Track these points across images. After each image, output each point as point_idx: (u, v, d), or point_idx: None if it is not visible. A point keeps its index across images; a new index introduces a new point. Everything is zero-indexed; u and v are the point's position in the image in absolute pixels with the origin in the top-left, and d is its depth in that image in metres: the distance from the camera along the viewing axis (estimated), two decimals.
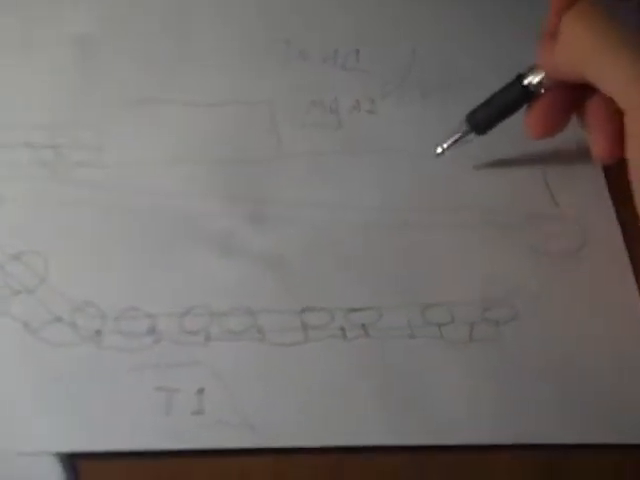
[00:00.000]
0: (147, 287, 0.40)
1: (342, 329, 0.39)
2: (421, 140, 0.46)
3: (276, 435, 0.36)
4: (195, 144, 0.45)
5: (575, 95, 0.40)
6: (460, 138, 0.43)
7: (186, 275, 0.40)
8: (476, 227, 0.43)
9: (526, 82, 0.41)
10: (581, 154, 0.43)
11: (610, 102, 0.35)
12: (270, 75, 0.48)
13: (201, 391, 0.37)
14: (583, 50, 0.36)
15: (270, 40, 0.50)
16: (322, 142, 0.46)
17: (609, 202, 0.44)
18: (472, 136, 0.43)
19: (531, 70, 0.41)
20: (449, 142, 0.44)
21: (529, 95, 0.41)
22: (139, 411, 0.36)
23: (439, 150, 0.44)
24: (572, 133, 0.42)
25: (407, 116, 0.47)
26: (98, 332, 0.38)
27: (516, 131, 0.42)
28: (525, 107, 0.42)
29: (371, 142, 0.46)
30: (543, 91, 0.41)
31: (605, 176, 0.45)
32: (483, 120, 0.43)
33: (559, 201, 0.44)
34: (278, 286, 0.40)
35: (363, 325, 0.39)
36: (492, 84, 0.43)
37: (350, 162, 0.45)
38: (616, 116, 0.36)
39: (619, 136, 0.36)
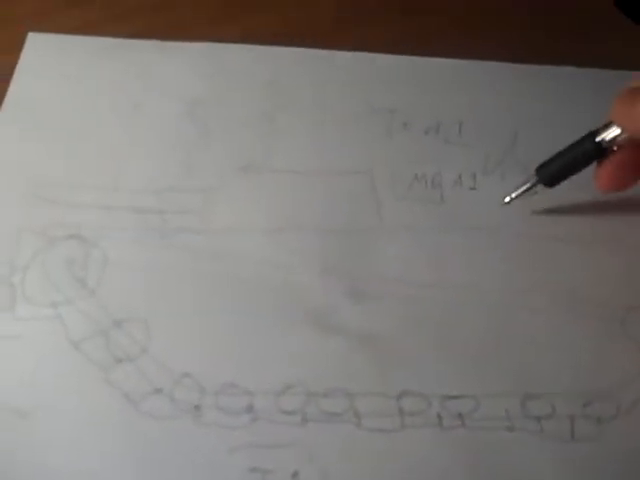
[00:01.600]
0: (245, 362, 0.40)
1: (439, 417, 0.38)
2: (523, 218, 0.45)
3: None
4: (297, 213, 0.46)
5: None
6: (528, 189, 0.44)
7: (284, 351, 0.40)
8: (581, 314, 0.41)
9: (599, 138, 0.41)
10: None
11: None
12: (373, 145, 0.48)
13: (296, 474, 0.37)
14: None
15: (374, 109, 0.50)
16: (424, 217, 0.45)
17: None
18: (540, 188, 0.44)
19: (605, 127, 0.41)
20: (517, 192, 0.45)
21: (601, 151, 0.41)
22: None
23: (507, 199, 0.45)
24: None
25: (509, 193, 0.46)
26: (197, 407, 0.38)
27: None
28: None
29: (473, 219, 0.45)
30: (616, 148, 0.41)
31: None
32: (552, 173, 0.43)
33: None
34: (376, 367, 0.40)
35: (460, 415, 0.38)
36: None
37: (452, 239, 0.44)
38: None
39: None
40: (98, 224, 0.45)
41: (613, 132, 0.41)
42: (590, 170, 0.43)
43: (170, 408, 0.39)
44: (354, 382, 0.40)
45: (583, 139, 0.42)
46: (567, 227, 0.46)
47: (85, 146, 0.47)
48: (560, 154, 0.43)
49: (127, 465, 0.37)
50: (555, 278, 0.44)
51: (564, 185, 0.44)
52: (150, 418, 0.39)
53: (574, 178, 0.44)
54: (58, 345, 0.41)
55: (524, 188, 0.44)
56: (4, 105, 0.48)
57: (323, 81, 0.52)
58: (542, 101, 0.51)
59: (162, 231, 0.45)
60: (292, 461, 0.38)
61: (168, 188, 0.46)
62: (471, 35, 0.55)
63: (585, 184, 0.44)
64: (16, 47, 0.51)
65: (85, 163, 0.47)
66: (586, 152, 0.42)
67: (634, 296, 0.43)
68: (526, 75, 0.52)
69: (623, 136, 0.41)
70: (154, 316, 0.42)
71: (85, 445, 0.38)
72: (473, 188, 0.47)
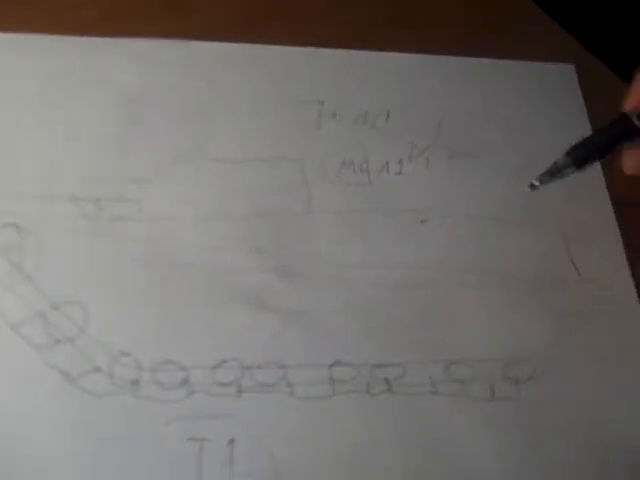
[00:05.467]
0: (181, 339, 0.41)
1: (367, 384, 0.40)
2: (448, 201, 0.48)
3: None
4: (229, 200, 0.48)
5: None
6: (559, 171, 0.43)
7: (219, 329, 0.42)
8: (500, 288, 0.44)
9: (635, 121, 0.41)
10: (599, 215, 0.46)
11: None
12: (303, 134, 0.50)
13: (232, 441, 0.38)
14: None
15: (304, 100, 0.52)
16: (352, 200, 0.47)
17: (625, 262, 0.46)
18: (571, 170, 0.43)
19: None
20: (546, 176, 0.43)
21: (632, 133, 0.42)
22: (171, 462, 0.38)
23: (536, 183, 0.44)
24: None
25: (433, 178, 0.48)
26: (135, 382, 0.40)
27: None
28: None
29: (399, 202, 0.47)
30: None
31: (622, 234, 0.47)
32: (585, 154, 0.43)
33: (578, 264, 0.45)
34: (308, 341, 0.42)
35: (387, 380, 0.41)
36: (517, 152, 0.47)
37: (379, 221, 0.46)
38: None
39: None
40: (35, 213, 0.45)
41: None
42: None
43: (109, 385, 0.40)
44: (287, 355, 0.42)
45: (616, 121, 0.42)
46: (494, 208, 0.48)
47: (21, 137, 0.48)
48: (592, 136, 0.43)
49: (69, 441, 0.39)
50: (481, 255, 0.46)
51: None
52: (90, 395, 0.40)
53: None
54: None
55: (554, 170, 0.43)
56: None
57: (254, 74, 0.53)
58: (466, 91, 0.53)
59: (98, 219, 0.46)
60: (228, 430, 0.39)
61: (104, 178, 0.48)
62: (397, 28, 0.57)
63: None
64: None
65: (20, 154, 0.48)
66: (617, 133, 0.42)
67: (551, 270, 0.46)
68: (451, 67, 0.55)
69: None
70: (92, 300, 0.43)
71: (26, 425, 0.39)
72: (399, 173, 0.49)
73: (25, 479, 0.38)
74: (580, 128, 0.51)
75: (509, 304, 0.44)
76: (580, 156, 0.42)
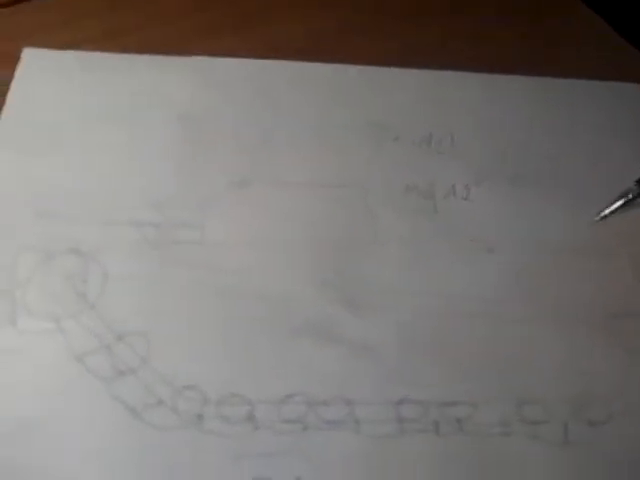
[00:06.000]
0: (246, 372, 0.41)
1: (436, 423, 0.39)
2: (515, 230, 0.47)
3: None
4: (292, 226, 0.47)
5: None
6: (628, 202, 0.42)
7: (284, 361, 0.41)
8: (569, 322, 0.43)
9: None
10: None
11: None
12: (366, 158, 0.49)
13: None
14: None
15: (367, 122, 0.51)
16: (418, 228, 0.46)
17: None
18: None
19: None
20: (615, 205, 0.43)
21: None
22: None
23: (603, 214, 0.44)
24: None
25: (500, 204, 0.47)
26: (199, 416, 0.39)
27: None
28: None
29: (467, 230, 0.46)
30: None
31: None
32: None
33: None
34: (375, 376, 0.41)
35: (457, 420, 0.39)
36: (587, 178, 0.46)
37: (445, 250, 0.45)
38: None
39: None
40: (96, 238, 0.45)
41: None
42: None
43: (173, 418, 0.39)
44: (353, 390, 0.41)
45: None
46: (563, 237, 0.47)
47: (82, 161, 0.48)
48: None
49: (131, 476, 0.38)
50: (545, 288, 0.45)
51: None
52: (153, 429, 0.39)
53: None
54: (60, 358, 0.41)
55: (623, 201, 0.43)
56: (1, 120, 0.49)
57: (314, 94, 0.52)
58: (533, 113, 0.52)
59: (159, 244, 0.45)
60: (294, 468, 0.38)
61: (164, 202, 0.47)
62: (457, 47, 0.55)
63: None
64: (12, 62, 0.51)
65: (82, 178, 0.47)
66: None
67: (623, 304, 0.44)
68: (516, 87, 0.53)
69: None
70: (155, 328, 0.42)
71: (89, 458, 0.39)
72: (466, 199, 0.48)
73: None
74: None
75: (580, 339, 0.43)
76: None
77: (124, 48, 0.52)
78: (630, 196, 0.42)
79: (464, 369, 0.41)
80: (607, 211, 0.42)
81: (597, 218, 0.42)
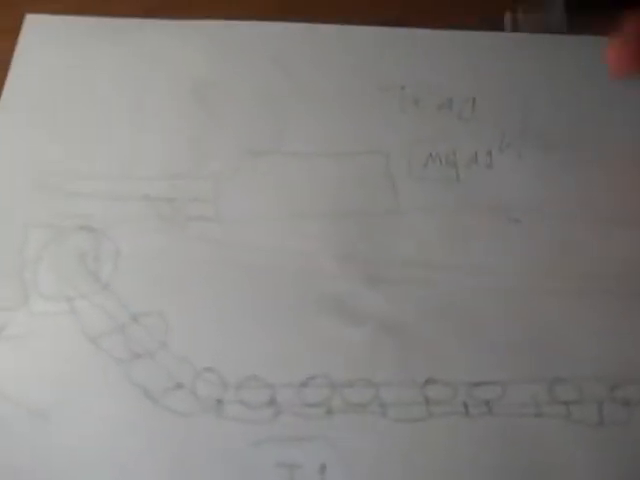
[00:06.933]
0: (266, 353, 0.39)
1: (465, 405, 0.38)
2: (543, 198, 0.45)
3: None
4: (311, 197, 0.45)
5: None
6: None
7: (305, 342, 0.40)
8: (604, 297, 0.41)
9: None
10: None
11: None
12: (385, 123, 0.47)
13: (323, 468, 0.36)
14: None
15: (384, 85, 0.48)
16: (441, 197, 0.44)
17: None
18: None
19: None
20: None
21: None
22: None
23: None
24: None
25: (527, 171, 0.45)
26: (219, 401, 0.38)
27: None
28: None
29: (491, 199, 0.44)
30: None
31: None
32: None
33: None
34: (399, 355, 0.40)
35: (486, 402, 0.38)
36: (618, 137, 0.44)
37: (470, 220, 0.43)
38: None
39: None
40: (108, 214, 0.43)
41: None
42: None
43: (192, 403, 0.38)
44: (378, 371, 0.39)
45: None
46: (596, 206, 0.45)
47: (91, 133, 0.46)
48: None
49: (150, 462, 0.37)
50: (576, 260, 0.43)
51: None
52: (172, 414, 0.38)
53: None
54: (75, 341, 0.40)
55: None
56: (4, 93, 0.47)
57: (330, 57, 0.50)
58: (562, 71, 0.49)
59: (174, 220, 0.44)
60: (318, 455, 0.37)
61: (178, 175, 0.45)
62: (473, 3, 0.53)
63: None
64: (14, 30, 0.49)
65: (91, 151, 0.45)
66: None
67: None
68: (544, 45, 0.50)
69: None
70: (171, 308, 0.41)
71: (106, 442, 0.38)
72: (490, 166, 0.46)
73: None
74: None
75: (615, 316, 0.41)
76: None
77: (131, 12, 0.50)
78: None
79: (492, 347, 0.40)
80: None
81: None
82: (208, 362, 0.39)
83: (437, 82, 0.49)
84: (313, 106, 0.48)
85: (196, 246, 0.43)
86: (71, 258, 0.42)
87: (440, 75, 0.49)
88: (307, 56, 0.50)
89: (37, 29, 0.49)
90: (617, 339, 0.40)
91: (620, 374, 0.39)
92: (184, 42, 0.49)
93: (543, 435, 0.38)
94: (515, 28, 0.51)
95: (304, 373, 0.39)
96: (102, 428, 0.38)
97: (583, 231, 0.43)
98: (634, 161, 0.46)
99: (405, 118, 0.48)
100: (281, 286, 0.42)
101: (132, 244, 0.43)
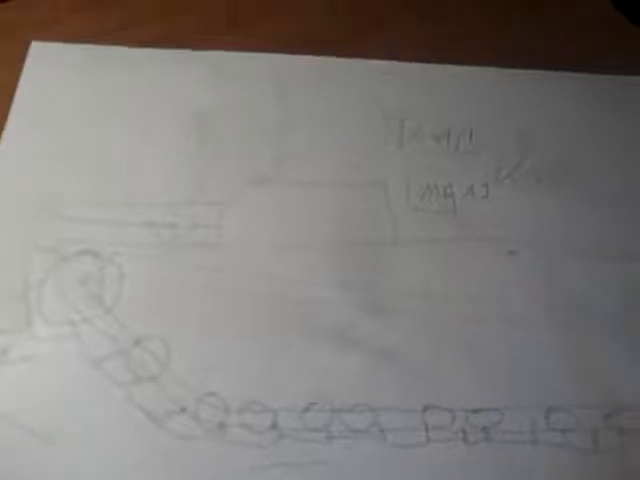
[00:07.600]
0: (268, 378, 0.40)
1: (464, 431, 0.39)
2: (538, 230, 0.46)
3: None
4: (311, 226, 0.46)
5: None
6: None
7: (306, 367, 0.40)
8: (597, 328, 0.42)
9: None
10: None
11: None
12: (385, 154, 0.48)
13: None
14: None
15: (385, 117, 0.49)
16: (438, 228, 0.45)
17: None
18: None
19: None
20: None
21: None
22: None
23: None
24: None
25: (522, 203, 0.46)
26: (221, 425, 0.38)
27: None
28: None
29: (486, 229, 0.45)
30: None
31: None
32: None
33: None
34: (398, 381, 0.40)
35: (484, 428, 0.39)
36: (614, 175, 0.45)
37: (466, 251, 0.44)
38: None
39: None
40: (110, 239, 0.44)
41: None
42: None
43: (194, 427, 0.38)
44: (377, 397, 0.40)
45: None
46: (589, 239, 0.46)
47: (95, 160, 0.46)
48: None
49: None
50: (576, 293, 0.44)
51: None
52: (174, 437, 0.38)
53: None
54: (78, 364, 0.40)
55: None
56: (10, 119, 0.48)
57: (333, 89, 0.51)
58: (556, 107, 0.50)
59: (176, 246, 0.44)
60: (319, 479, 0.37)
61: (180, 202, 0.46)
62: (475, 42, 0.54)
63: None
64: (19, 57, 0.50)
65: (95, 177, 0.46)
66: None
67: None
68: (538, 80, 0.51)
69: None
70: (173, 333, 0.41)
71: (108, 465, 0.38)
72: (485, 197, 0.47)
73: None
74: None
75: (609, 346, 0.41)
76: None
77: (135, 42, 0.50)
78: None
79: (490, 375, 0.41)
80: None
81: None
82: (210, 386, 0.40)
83: (435, 114, 0.50)
84: (314, 135, 0.49)
85: (197, 272, 0.44)
86: (74, 282, 0.43)
87: (438, 108, 0.50)
88: (309, 87, 0.51)
89: (42, 56, 0.50)
90: (611, 370, 0.41)
91: (614, 402, 0.40)
92: (187, 72, 0.50)
93: (539, 462, 0.38)
94: None
95: (305, 397, 0.40)
96: (104, 451, 0.38)
97: (576, 264, 0.44)
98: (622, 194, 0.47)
99: (404, 150, 0.49)
100: (282, 313, 0.42)
101: (135, 269, 0.43)
